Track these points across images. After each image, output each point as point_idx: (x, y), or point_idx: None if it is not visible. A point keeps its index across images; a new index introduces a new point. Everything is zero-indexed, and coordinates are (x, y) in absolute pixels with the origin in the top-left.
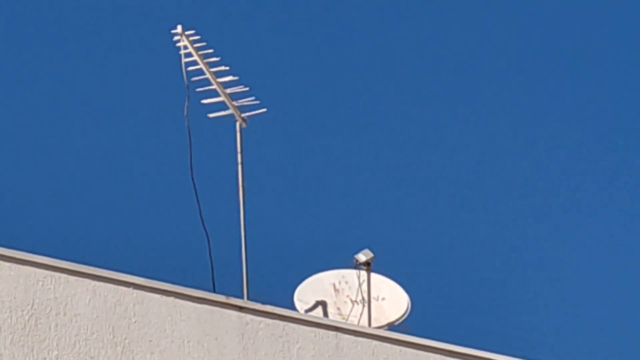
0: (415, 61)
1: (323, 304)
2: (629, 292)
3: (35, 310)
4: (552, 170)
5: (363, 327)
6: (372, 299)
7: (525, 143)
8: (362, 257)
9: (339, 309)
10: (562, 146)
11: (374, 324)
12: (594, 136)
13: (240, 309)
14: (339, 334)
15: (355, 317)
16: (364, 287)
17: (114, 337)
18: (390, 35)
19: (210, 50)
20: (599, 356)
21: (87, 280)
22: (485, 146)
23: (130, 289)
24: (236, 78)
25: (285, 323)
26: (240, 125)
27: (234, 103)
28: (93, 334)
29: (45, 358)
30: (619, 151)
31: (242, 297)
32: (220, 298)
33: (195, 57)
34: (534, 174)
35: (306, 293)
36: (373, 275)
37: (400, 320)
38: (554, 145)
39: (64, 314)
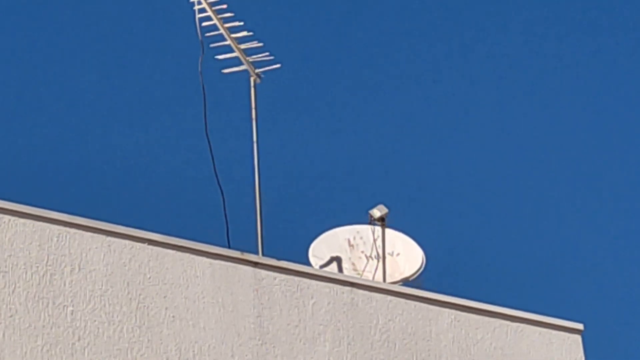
0: (428, 16)
1: (338, 259)
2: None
3: (50, 266)
4: (565, 128)
5: (378, 282)
6: (386, 255)
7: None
8: (376, 212)
9: (353, 264)
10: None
11: (388, 280)
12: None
13: (255, 264)
14: (354, 290)
15: (370, 273)
16: (379, 242)
17: (128, 293)
18: None
19: (224, 6)
20: (616, 311)
21: (101, 236)
22: (496, 102)
23: (145, 245)
24: (250, 34)
25: (300, 279)
26: (255, 80)
27: (248, 59)
28: (108, 290)
29: (60, 314)
30: None
31: (257, 253)
32: (235, 254)
33: (209, 13)
34: (548, 133)
35: (321, 249)
36: (388, 230)
37: (415, 276)
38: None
39: (79, 270)
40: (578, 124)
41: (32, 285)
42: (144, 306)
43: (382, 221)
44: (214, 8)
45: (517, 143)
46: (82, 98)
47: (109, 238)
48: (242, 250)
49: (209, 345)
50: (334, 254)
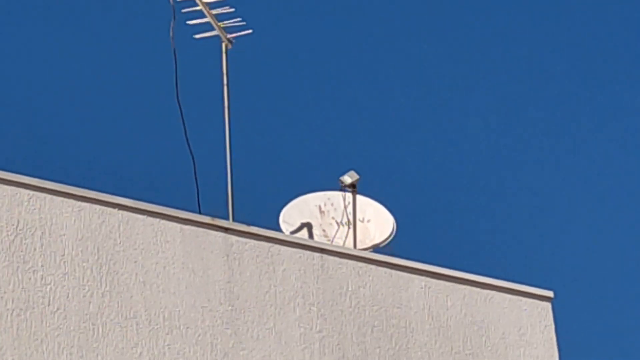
0: None
1: (308, 225)
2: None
3: (19, 230)
4: (541, 102)
5: (348, 248)
6: (357, 221)
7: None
8: (347, 179)
9: (324, 230)
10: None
11: (359, 246)
12: None
13: (226, 230)
14: (324, 256)
15: (341, 239)
16: (350, 209)
17: (98, 258)
18: None
19: None
20: (580, 279)
21: (72, 201)
22: (469, 68)
23: (116, 210)
24: None
25: (270, 244)
26: (226, 46)
27: (220, 24)
28: (78, 254)
29: (30, 278)
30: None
31: (227, 219)
32: (206, 219)
33: None
34: (524, 103)
35: (292, 215)
36: (358, 197)
37: (386, 242)
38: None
39: (49, 235)
40: (540, 89)
41: (2, 249)
42: (114, 271)
43: (353, 187)
44: None
45: (489, 109)
46: (57, 63)
47: (79, 203)
48: (213, 216)
49: (179, 311)
50: (305, 220)
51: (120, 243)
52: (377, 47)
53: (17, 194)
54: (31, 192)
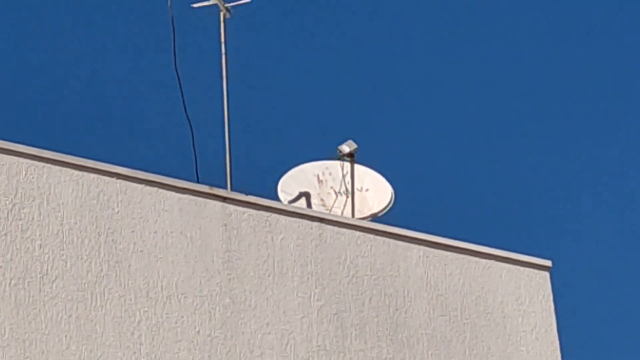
0: None
1: (306, 195)
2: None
3: (18, 199)
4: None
5: (346, 218)
6: (355, 190)
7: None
8: (345, 148)
9: (322, 200)
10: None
11: (357, 215)
12: None
13: (224, 199)
14: (322, 225)
15: (339, 209)
16: (348, 178)
17: (96, 226)
18: None
19: None
20: (584, 248)
21: (70, 170)
22: (469, 38)
23: (114, 179)
24: None
25: (268, 214)
26: (224, 15)
27: None
28: (76, 223)
29: (28, 247)
30: None
31: (225, 188)
32: (204, 188)
33: None
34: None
35: (290, 184)
36: (357, 166)
37: (384, 212)
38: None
39: (47, 204)
40: (544, 61)
41: (0, 218)
42: (112, 240)
43: (351, 157)
44: None
45: (491, 79)
46: (55, 28)
47: (77, 172)
48: (211, 185)
49: (177, 280)
50: (303, 190)
51: (118, 212)
52: (375, 14)
53: (15, 163)
54: (29, 162)
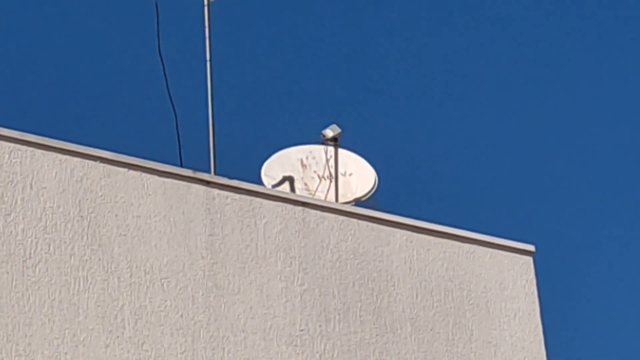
0: None
1: (290, 179)
2: None
3: (1, 183)
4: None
5: (330, 202)
6: (339, 175)
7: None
8: (329, 132)
9: (306, 184)
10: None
11: (340, 200)
12: None
13: (208, 183)
14: (306, 209)
15: (322, 193)
16: (331, 162)
17: (80, 210)
18: None
19: None
20: (567, 233)
21: (53, 154)
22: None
23: (97, 163)
24: None
25: (252, 198)
26: None
27: None
28: (59, 207)
29: (11, 231)
30: None
31: (209, 172)
32: (188, 172)
33: None
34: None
35: (273, 168)
36: (340, 150)
37: (367, 196)
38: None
39: (30, 188)
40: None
41: None
42: (95, 224)
43: (335, 141)
44: None
45: (471, 63)
46: (40, 15)
47: (61, 155)
48: (195, 169)
49: (160, 264)
50: (287, 174)
51: (101, 196)
52: (360, 9)
53: None
54: (12, 145)
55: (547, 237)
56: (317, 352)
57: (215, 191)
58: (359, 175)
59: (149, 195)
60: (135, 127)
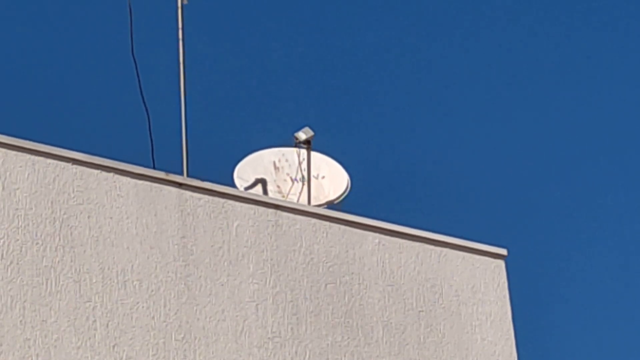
0: None
1: (263, 181)
2: None
3: None
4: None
5: (302, 205)
6: (312, 178)
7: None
8: (302, 135)
9: (278, 187)
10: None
11: (313, 202)
12: None
13: (180, 185)
14: (278, 212)
15: (295, 195)
16: (304, 165)
17: (52, 212)
18: None
19: None
20: (540, 236)
21: (26, 155)
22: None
23: (70, 165)
24: None
25: (224, 200)
26: (182, 1)
27: None
28: (31, 208)
29: None
30: None
31: (181, 174)
32: (160, 174)
33: None
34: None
35: (246, 171)
36: (313, 153)
37: (340, 199)
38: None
39: (2, 189)
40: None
41: None
42: (68, 225)
43: (308, 144)
44: None
45: (447, 64)
46: (18, 16)
47: (33, 157)
48: (167, 171)
49: (132, 266)
50: (259, 176)
51: (74, 197)
52: (331, 0)
53: None
54: None
55: (520, 241)
56: (289, 355)
57: (188, 193)
58: (331, 178)
59: (121, 197)
60: (107, 128)
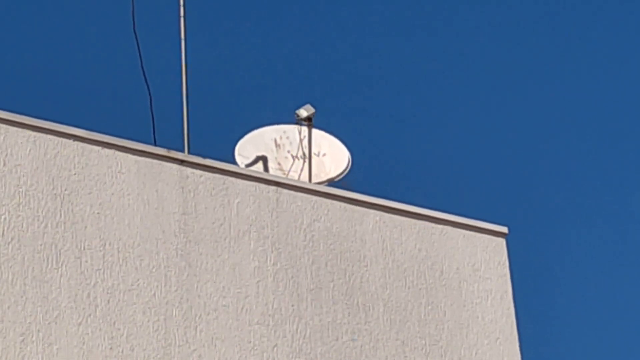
0: None
1: (264, 159)
2: None
3: None
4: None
5: (303, 182)
6: (312, 155)
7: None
8: (303, 112)
9: (279, 164)
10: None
11: (314, 180)
12: None
13: (181, 162)
14: (279, 189)
15: (296, 173)
16: (305, 142)
17: (53, 188)
18: None
19: None
20: (540, 214)
21: (27, 131)
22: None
23: (71, 141)
24: None
25: (225, 177)
26: None
27: None
28: (33, 185)
29: None
30: None
31: (183, 151)
32: (161, 151)
33: None
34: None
35: (247, 148)
36: (314, 130)
37: (341, 177)
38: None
39: (4, 165)
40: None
41: None
42: (69, 202)
43: (309, 121)
44: None
45: (450, 49)
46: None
47: (35, 133)
48: (168, 148)
49: (134, 242)
50: (260, 154)
51: (75, 174)
52: None
53: None
54: None
55: (521, 219)
56: (289, 332)
57: (189, 170)
58: (332, 156)
59: (123, 173)
60: (109, 105)
